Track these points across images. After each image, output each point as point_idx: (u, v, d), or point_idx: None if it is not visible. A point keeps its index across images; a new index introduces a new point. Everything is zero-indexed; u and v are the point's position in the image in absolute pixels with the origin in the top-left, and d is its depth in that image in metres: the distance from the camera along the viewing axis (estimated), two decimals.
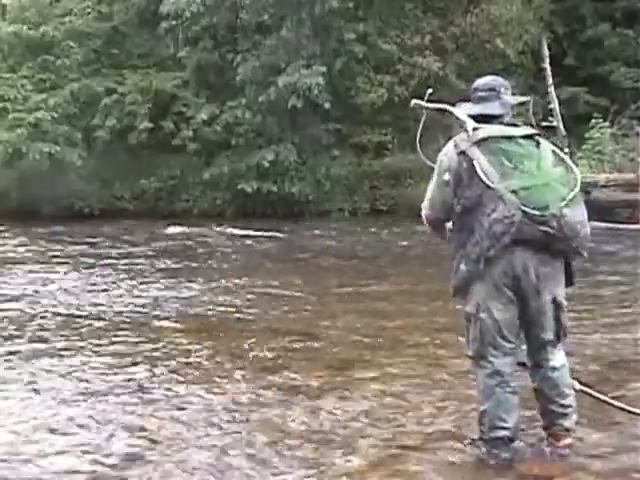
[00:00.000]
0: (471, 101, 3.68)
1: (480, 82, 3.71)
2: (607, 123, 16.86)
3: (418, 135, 4.12)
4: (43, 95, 19.34)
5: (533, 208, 3.28)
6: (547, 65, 18.23)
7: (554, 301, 3.43)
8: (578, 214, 3.36)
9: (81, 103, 19.82)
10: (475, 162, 3.37)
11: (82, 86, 19.73)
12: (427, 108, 3.95)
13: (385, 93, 18.96)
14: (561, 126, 17.28)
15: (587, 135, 16.59)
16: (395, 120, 19.79)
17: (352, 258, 11.75)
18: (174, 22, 19.88)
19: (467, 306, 3.51)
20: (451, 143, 3.52)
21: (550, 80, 17.78)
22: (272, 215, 17.82)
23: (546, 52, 18.58)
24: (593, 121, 16.80)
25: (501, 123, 3.54)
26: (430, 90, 4.02)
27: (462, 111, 3.65)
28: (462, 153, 3.43)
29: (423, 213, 3.69)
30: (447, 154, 3.52)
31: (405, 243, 13.18)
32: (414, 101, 4.07)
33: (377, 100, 18.99)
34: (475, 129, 3.48)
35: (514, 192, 3.30)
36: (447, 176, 3.48)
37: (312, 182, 19.20)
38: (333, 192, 19.37)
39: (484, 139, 3.42)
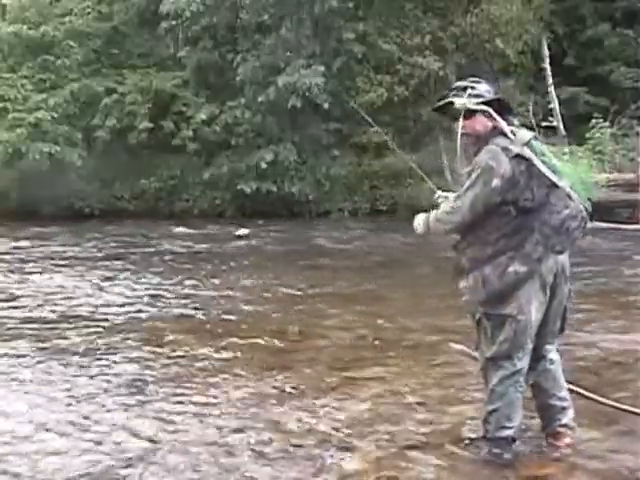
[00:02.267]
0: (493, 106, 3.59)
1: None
2: (607, 123, 16.86)
3: (459, 138, 3.88)
4: (43, 95, 19.33)
5: (581, 203, 3.47)
6: (547, 65, 18.23)
7: (569, 291, 3.56)
8: None
9: (81, 103, 19.81)
10: (536, 162, 3.42)
11: (82, 86, 19.72)
12: (469, 110, 3.63)
13: (385, 93, 18.95)
14: (561, 126, 17.28)
15: (587, 135, 16.59)
16: (395, 120, 19.78)
17: (352, 258, 11.74)
18: (174, 22, 19.86)
19: (504, 308, 3.43)
20: (494, 148, 3.44)
21: (550, 80, 17.79)
22: (272, 215, 17.81)
23: (546, 52, 18.58)
24: (593, 121, 16.80)
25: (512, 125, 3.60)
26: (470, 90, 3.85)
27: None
28: (517, 156, 3.42)
29: (457, 219, 3.52)
30: (495, 159, 3.42)
31: (405, 243, 13.17)
32: (459, 102, 3.68)
33: (377, 100, 18.97)
34: (514, 133, 3.52)
35: (573, 190, 3.46)
36: (496, 182, 3.40)
37: (312, 182, 19.19)
38: (333, 192, 19.37)
39: (528, 141, 3.49)
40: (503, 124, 3.51)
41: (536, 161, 3.42)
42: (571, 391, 3.79)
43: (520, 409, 3.49)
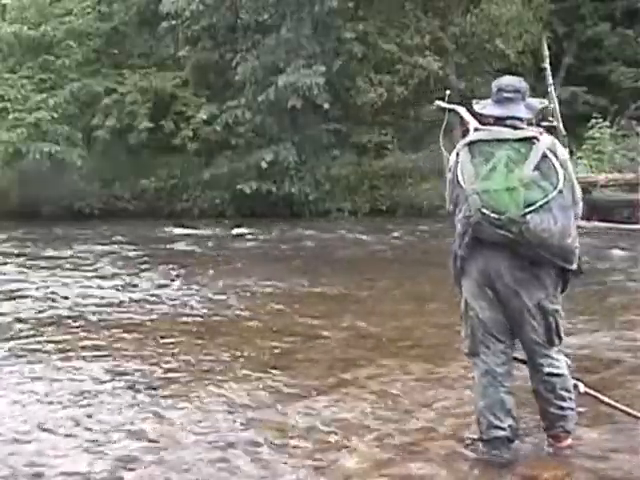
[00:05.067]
0: (494, 100, 3.62)
1: (503, 82, 3.64)
2: (607, 123, 16.86)
3: (441, 135, 4.17)
4: (43, 95, 19.30)
5: (492, 211, 3.32)
6: (547, 65, 18.21)
7: (539, 306, 3.42)
8: (546, 221, 3.29)
9: (81, 103, 19.79)
10: (459, 162, 3.47)
11: (82, 86, 19.69)
12: (444, 109, 4.05)
13: (385, 93, 18.95)
14: (561, 126, 17.26)
15: (587, 135, 16.59)
16: (395, 120, 19.80)
17: (352, 258, 11.75)
18: (174, 22, 19.85)
19: (460, 305, 3.59)
20: (458, 145, 3.60)
21: (550, 80, 17.75)
22: (272, 215, 17.81)
23: (546, 52, 18.55)
24: (593, 121, 16.81)
25: (506, 125, 3.53)
26: (448, 91, 4.12)
27: (486, 110, 3.64)
28: (457, 154, 3.52)
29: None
30: (452, 155, 3.60)
31: (405, 243, 13.18)
32: (436, 102, 4.21)
33: (377, 100, 18.99)
34: (476, 130, 3.56)
35: (478, 194, 3.36)
36: (449, 175, 3.58)
37: (312, 182, 19.18)
38: (333, 192, 19.36)
39: (476, 141, 3.48)
40: (469, 121, 3.67)
41: (462, 162, 3.44)
42: (586, 394, 3.77)
43: (509, 409, 3.46)
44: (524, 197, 3.30)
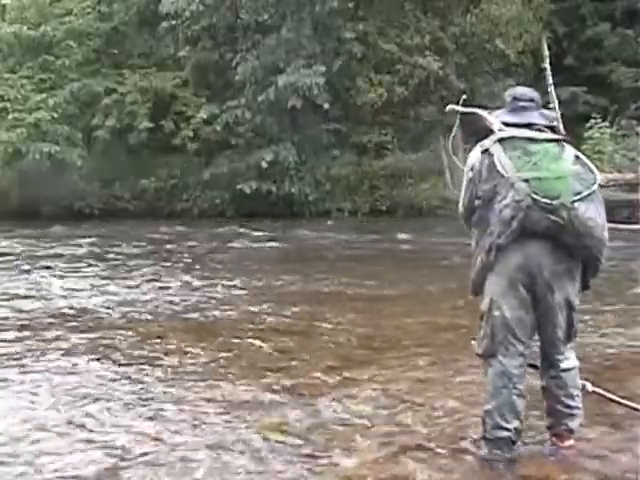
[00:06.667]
0: (509, 110, 3.71)
1: (518, 92, 3.75)
2: (606, 123, 16.88)
3: (451, 139, 4.21)
4: (43, 95, 19.33)
5: (543, 197, 3.34)
6: (547, 65, 18.22)
7: (566, 301, 3.46)
8: (591, 211, 3.38)
9: (81, 103, 19.83)
10: (495, 156, 3.46)
11: (82, 86, 19.74)
12: (461, 112, 4.08)
13: (385, 93, 18.97)
14: (561, 126, 17.26)
15: (587, 135, 16.60)
16: (395, 120, 19.83)
17: (352, 258, 11.74)
18: (174, 22, 19.88)
19: (481, 304, 3.54)
20: (478, 145, 3.60)
21: (550, 80, 17.77)
22: (272, 215, 17.82)
23: (546, 52, 18.57)
24: (592, 121, 16.82)
25: (531, 129, 3.59)
26: (465, 96, 4.14)
27: (500, 118, 3.71)
28: (485, 151, 3.53)
29: (459, 210, 3.74)
30: (473, 153, 3.60)
31: (405, 244, 13.18)
32: (449, 106, 4.22)
33: (377, 100, 19.00)
34: (501, 130, 3.60)
35: (526, 181, 3.37)
36: (470, 174, 3.57)
37: (312, 182, 19.20)
38: (333, 192, 19.38)
39: (507, 138, 3.52)
40: (493, 122, 3.68)
41: (498, 155, 3.45)
42: (594, 393, 3.77)
43: (518, 411, 3.45)
44: (572, 186, 3.37)
